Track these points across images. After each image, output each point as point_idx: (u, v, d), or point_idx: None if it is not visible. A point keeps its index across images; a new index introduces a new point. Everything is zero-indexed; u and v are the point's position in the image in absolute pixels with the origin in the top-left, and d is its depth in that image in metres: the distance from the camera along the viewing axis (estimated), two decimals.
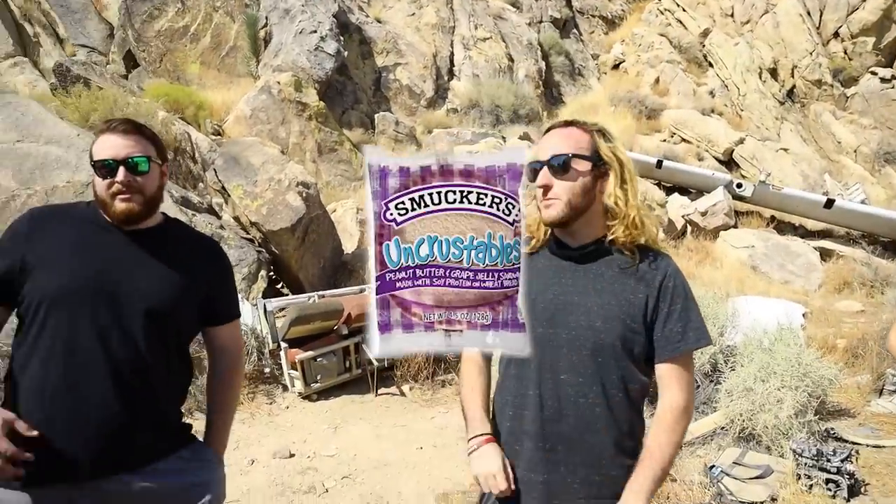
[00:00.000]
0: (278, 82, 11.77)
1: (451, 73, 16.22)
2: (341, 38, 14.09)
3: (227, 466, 4.04)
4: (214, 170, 8.11)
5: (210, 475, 1.77)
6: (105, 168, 1.59)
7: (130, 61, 13.06)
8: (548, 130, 1.56)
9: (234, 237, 7.46)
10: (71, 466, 1.51)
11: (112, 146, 1.60)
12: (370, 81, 15.24)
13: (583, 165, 1.47)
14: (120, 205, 1.60)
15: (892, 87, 17.51)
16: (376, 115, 14.08)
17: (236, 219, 8.00)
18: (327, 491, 3.85)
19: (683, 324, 1.48)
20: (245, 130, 11.14)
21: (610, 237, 1.50)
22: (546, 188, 1.47)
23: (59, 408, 1.52)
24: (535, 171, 1.49)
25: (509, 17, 18.01)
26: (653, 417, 1.53)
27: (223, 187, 8.00)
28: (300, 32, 13.42)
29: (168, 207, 7.20)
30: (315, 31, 13.44)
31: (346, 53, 14.06)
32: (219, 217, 8.32)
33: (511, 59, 16.82)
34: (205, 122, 11.09)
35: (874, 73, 17.85)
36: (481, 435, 1.55)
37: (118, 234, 1.65)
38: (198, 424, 1.87)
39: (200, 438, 1.86)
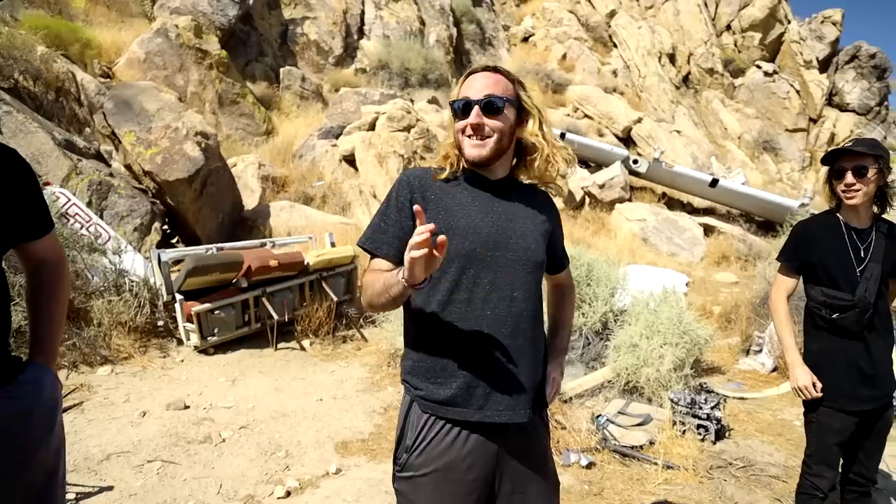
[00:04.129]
0: (176, 26, 11.03)
1: (360, 32, 15.83)
2: None
3: (116, 419, 3.90)
4: (104, 113, 7.53)
5: (36, 395, 1.50)
6: None
7: None
8: (471, 73, 1.62)
9: (125, 186, 7.00)
10: None
11: None
12: (276, 34, 14.60)
13: (510, 111, 1.59)
14: None
15: (773, 82, 18.94)
16: (282, 70, 13.54)
17: (128, 167, 7.50)
18: (224, 441, 3.77)
19: (563, 246, 1.87)
20: (138, 75, 10.39)
21: (526, 180, 1.72)
22: (478, 126, 1.54)
23: None
24: (465, 108, 1.56)
25: None
26: (556, 304, 1.95)
27: (113, 132, 7.46)
28: None
29: (50, 151, 6.64)
30: None
31: (251, 1, 13.38)
32: (108, 164, 7.76)
33: (423, 23, 16.63)
34: (92, 63, 10.22)
35: (759, 67, 19.23)
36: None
37: None
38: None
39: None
